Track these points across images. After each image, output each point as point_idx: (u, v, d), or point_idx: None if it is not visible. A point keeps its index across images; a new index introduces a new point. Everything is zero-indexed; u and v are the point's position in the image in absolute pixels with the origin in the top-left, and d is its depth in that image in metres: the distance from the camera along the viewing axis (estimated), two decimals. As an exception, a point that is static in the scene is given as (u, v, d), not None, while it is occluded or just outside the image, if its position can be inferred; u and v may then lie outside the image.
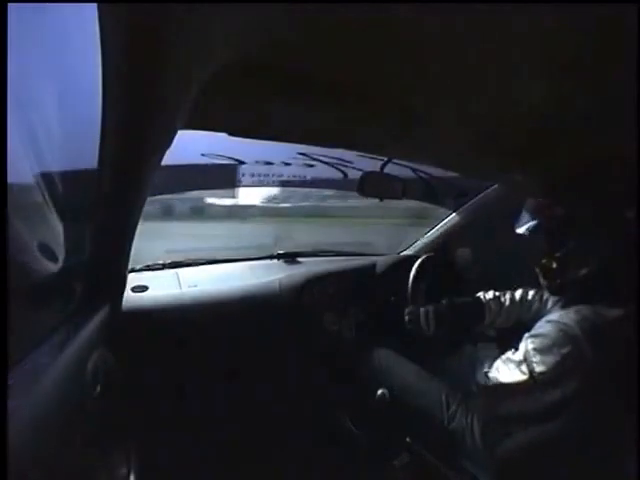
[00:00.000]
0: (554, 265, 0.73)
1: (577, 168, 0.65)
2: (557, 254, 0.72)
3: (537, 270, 0.77)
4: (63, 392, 0.54)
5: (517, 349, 0.73)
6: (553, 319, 0.69)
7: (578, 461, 0.65)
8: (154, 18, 0.30)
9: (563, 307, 0.72)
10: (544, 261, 0.74)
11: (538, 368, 0.66)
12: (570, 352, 0.63)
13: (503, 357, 0.75)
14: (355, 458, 1.09)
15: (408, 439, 0.97)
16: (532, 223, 0.76)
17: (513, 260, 1.27)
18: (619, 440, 0.62)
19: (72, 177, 0.67)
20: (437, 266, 1.28)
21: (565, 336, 0.65)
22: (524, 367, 0.68)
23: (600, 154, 0.60)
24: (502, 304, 1.03)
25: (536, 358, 0.67)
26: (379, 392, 1.05)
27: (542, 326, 0.70)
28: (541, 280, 0.77)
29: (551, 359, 0.65)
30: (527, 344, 0.70)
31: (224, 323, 1.15)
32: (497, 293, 1.05)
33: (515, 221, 0.80)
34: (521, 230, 0.77)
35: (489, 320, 1.02)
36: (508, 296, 1.04)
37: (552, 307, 0.78)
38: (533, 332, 0.71)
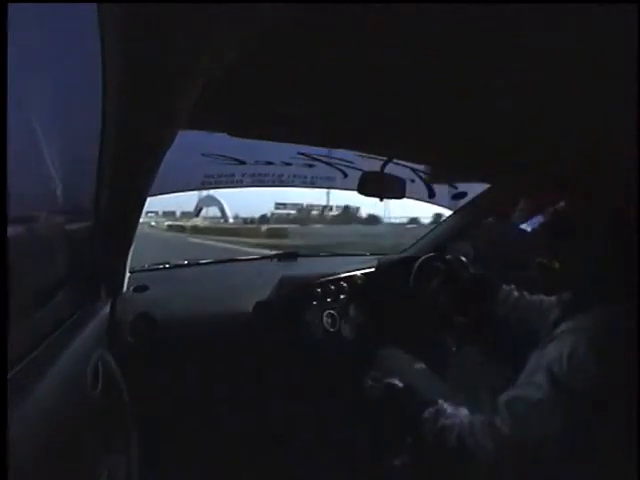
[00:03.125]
0: (554, 265, 0.72)
1: (576, 167, 0.65)
2: (556, 253, 0.72)
3: (537, 269, 0.76)
4: (63, 392, 0.54)
5: (526, 373, 0.66)
6: (568, 327, 0.65)
7: (586, 462, 0.62)
8: (154, 18, 0.30)
9: (570, 311, 0.69)
10: (544, 261, 0.74)
11: (569, 382, 0.60)
12: (598, 356, 0.59)
13: (508, 403, 0.66)
14: (355, 458, 1.09)
15: (408, 439, 0.97)
16: (531, 222, 0.76)
17: (513, 260, 1.27)
18: (625, 440, 0.60)
19: (72, 177, 0.67)
20: (437, 266, 1.28)
21: (589, 342, 0.60)
22: (548, 386, 0.61)
23: (600, 154, 0.60)
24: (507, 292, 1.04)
25: (563, 371, 0.60)
26: (379, 392, 1.05)
27: (558, 337, 0.65)
28: (541, 279, 0.77)
29: (583, 368, 0.59)
30: (546, 360, 0.63)
31: (224, 323, 1.15)
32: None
33: (514, 221, 0.80)
34: (521, 228, 0.77)
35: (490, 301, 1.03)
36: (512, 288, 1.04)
37: (556, 314, 0.75)
38: (549, 347, 0.65)
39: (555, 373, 0.61)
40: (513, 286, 1.05)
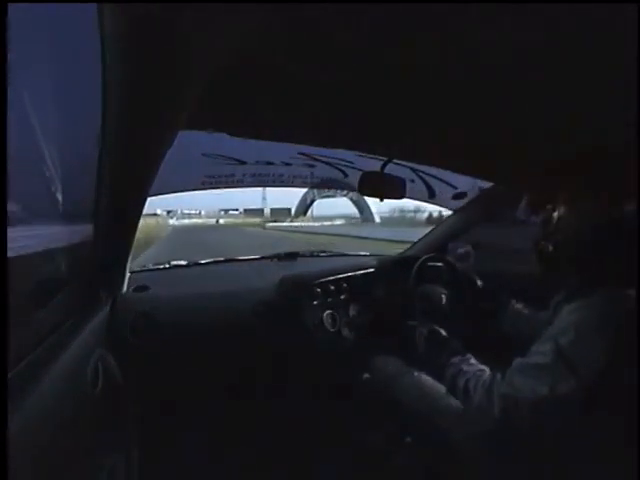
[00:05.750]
0: (550, 248, 0.72)
1: (575, 166, 0.65)
2: (553, 237, 0.72)
3: (535, 256, 0.76)
4: (63, 392, 0.54)
5: (532, 356, 0.66)
6: (574, 307, 0.64)
7: (585, 433, 0.62)
8: (154, 18, 0.30)
9: (572, 297, 0.68)
10: (541, 245, 0.73)
11: (581, 362, 0.59)
12: (611, 333, 0.59)
13: (516, 367, 0.67)
14: (355, 458, 1.09)
15: (408, 439, 0.97)
16: (529, 223, 0.76)
17: (513, 259, 1.27)
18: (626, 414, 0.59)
19: (72, 177, 0.67)
20: (437, 266, 1.28)
21: (601, 317, 0.60)
22: (560, 367, 0.61)
23: (599, 153, 0.60)
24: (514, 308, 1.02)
25: (576, 351, 0.59)
26: (379, 392, 1.05)
27: (566, 319, 0.64)
28: (539, 265, 0.76)
29: (596, 346, 0.59)
30: (555, 342, 0.62)
31: (224, 323, 1.15)
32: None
33: (514, 221, 0.80)
34: (520, 231, 0.78)
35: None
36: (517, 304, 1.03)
37: (557, 304, 0.76)
38: (556, 329, 0.64)
39: (561, 344, 0.61)
40: (513, 290, 1.05)
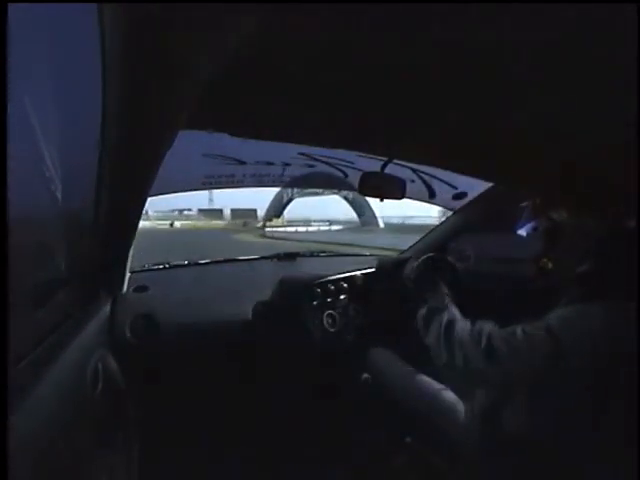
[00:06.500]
0: (550, 265, 0.73)
1: (575, 169, 0.65)
2: (553, 254, 0.72)
3: (534, 270, 0.76)
4: (63, 392, 0.54)
5: (524, 326, 0.68)
6: (572, 308, 0.66)
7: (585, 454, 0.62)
8: (154, 18, 0.30)
9: (570, 303, 0.69)
10: (542, 261, 0.74)
11: (565, 337, 0.61)
12: (597, 325, 0.61)
13: (505, 329, 0.70)
14: (355, 458, 1.09)
15: (408, 439, 0.97)
16: (530, 224, 0.76)
17: (513, 260, 1.27)
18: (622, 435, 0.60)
19: (72, 178, 0.67)
20: (437, 266, 1.28)
21: (591, 311, 0.63)
22: (547, 342, 0.63)
23: (599, 155, 0.60)
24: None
25: (563, 327, 0.62)
26: (379, 392, 1.05)
27: (562, 308, 0.67)
28: (538, 279, 0.77)
29: (580, 329, 0.61)
30: (547, 322, 0.65)
31: (224, 323, 1.15)
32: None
33: (515, 222, 0.80)
34: (521, 231, 0.78)
35: None
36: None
37: (554, 306, 0.76)
38: (553, 314, 0.67)
39: (552, 325, 0.64)
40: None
